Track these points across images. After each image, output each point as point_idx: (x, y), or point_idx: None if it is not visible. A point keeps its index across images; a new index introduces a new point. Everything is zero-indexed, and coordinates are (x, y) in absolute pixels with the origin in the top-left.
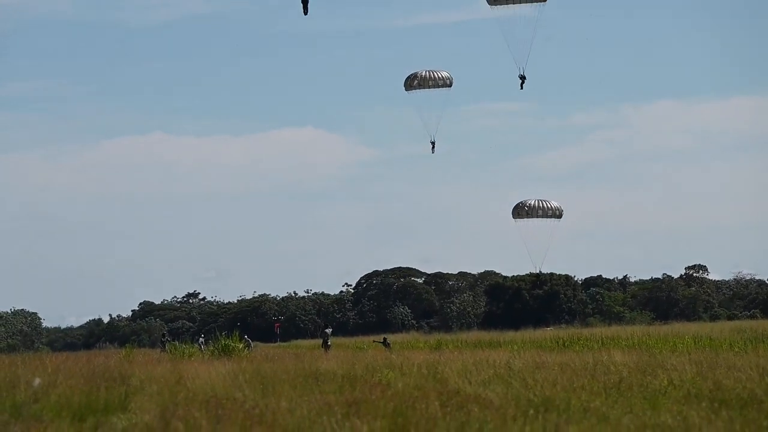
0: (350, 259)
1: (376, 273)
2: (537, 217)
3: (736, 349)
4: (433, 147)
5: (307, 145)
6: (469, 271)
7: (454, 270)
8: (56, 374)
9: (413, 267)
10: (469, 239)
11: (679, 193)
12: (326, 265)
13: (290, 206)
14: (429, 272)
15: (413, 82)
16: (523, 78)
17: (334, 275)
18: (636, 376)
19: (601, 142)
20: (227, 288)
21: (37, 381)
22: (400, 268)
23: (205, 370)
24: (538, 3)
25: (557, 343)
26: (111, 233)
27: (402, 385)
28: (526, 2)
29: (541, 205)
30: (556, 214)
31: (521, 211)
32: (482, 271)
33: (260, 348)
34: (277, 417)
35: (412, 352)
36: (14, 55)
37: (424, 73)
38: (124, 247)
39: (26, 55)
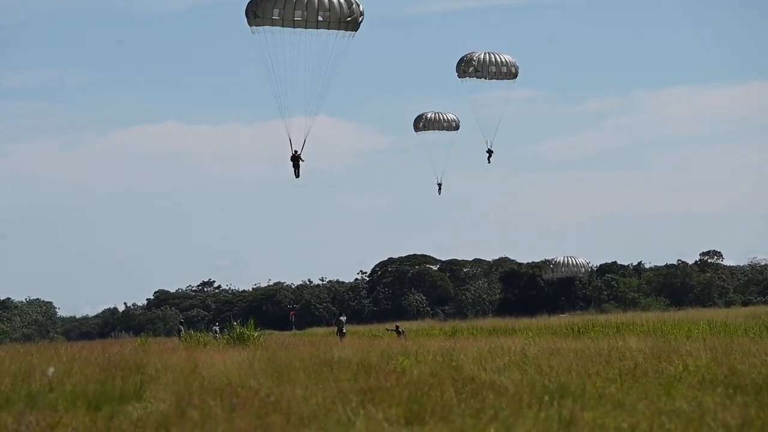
0: (365, 247)
1: (390, 260)
2: (563, 275)
3: (751, 335)
4: (440, 188)
5: (322, 133)
6: (483, 258)
7: (468, 257)
8: (71, 363)
9: (428, 254)
10: (484, 226)
11: (693, 179)
12: (341, 253)
13: (305, 194)
14: (444, 259)
15: (419, 124)
16: (490, 152)
17: (348, 263)
18: (651, 362)
19: (615, 129)
20: (242, 276)
21: (51, 370)
22: (414, 256)
23: (220, 358)
24: (508, 80)
25: (572, 329)
26: (126, 222)
27: (417, 372)
28: (496, 79)
29: (567, 261)
30: (582, 271)
31: (547, 269)
32: (497, 257)
33: (275, 336)
34: (292, 405)
35: (427, 340)
36: (27, 44)
37: (430, 115)
38: (138, 236)
39: (39, 44)
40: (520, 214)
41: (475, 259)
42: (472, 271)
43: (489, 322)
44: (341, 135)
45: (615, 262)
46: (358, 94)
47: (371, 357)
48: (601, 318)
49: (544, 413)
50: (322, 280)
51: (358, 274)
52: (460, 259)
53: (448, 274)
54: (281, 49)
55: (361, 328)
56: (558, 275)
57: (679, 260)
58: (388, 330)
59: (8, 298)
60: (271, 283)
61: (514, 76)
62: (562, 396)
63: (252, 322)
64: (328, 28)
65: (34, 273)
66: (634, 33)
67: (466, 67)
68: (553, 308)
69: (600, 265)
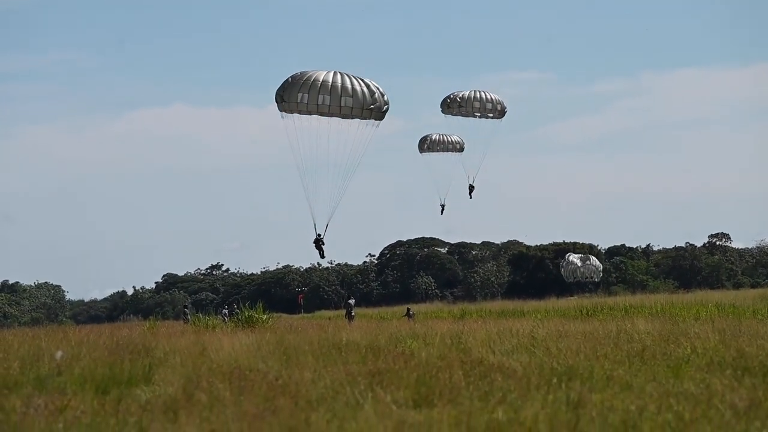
0: (374, 230)
1: (399, 243)
2: (577, 278)
3: (760, 317)
4: (443, 209)
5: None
6: (492, 241)
7: (477, 240)
8: (80, 347)
9: (437, 237)
10: (493, 209)
11: (701, 161)
12: (350, 236)
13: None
14: (452, 242)
15: (424, 146)
16: (471, 188)
17: (357, 246)
18: (659, 344)
19: (623, 111)
20: (251, 259)
21: (59, 353)
22: (423, 238)
23: (228, 341)
24: (494, 119)
25: (581, 311)
26: (134, 205)
27: (425, 355)
28: (482, 116)
29: (586, 261)
30: (593, 270)
31: (563, 268)
32: (506, 240)
33: (284, 319)
34: (301, 388)
35: (435, 322)
36: (36, 27)
37: (435, 137)
38: (147, 220)
39: (48, 27)
40: (528, 197)
41: (484, 242)
42: (481, 253)
43: (498, 304)
44: None
45: (623, 244)
46: (366, 77)
47: (380, 340)
48: (610, 300)
49: (552, 395)
50: (331, 263)
51: (366, 257)
52: (468, 242)
53: (456, 257)
54: (307, 136)
55: (369, 311)
56: (574, 276)
57: (687, 243)
58: (403, 316)
59: (17, 282)
60: (280, 266)
61: (501, 114)
62: (570, 378)
63: (260, 305)
64: (351, 115)
65: (42, 256)
66: (642, 15)
67: (452, 103)
68: (562, 291)
69: (608, 247)
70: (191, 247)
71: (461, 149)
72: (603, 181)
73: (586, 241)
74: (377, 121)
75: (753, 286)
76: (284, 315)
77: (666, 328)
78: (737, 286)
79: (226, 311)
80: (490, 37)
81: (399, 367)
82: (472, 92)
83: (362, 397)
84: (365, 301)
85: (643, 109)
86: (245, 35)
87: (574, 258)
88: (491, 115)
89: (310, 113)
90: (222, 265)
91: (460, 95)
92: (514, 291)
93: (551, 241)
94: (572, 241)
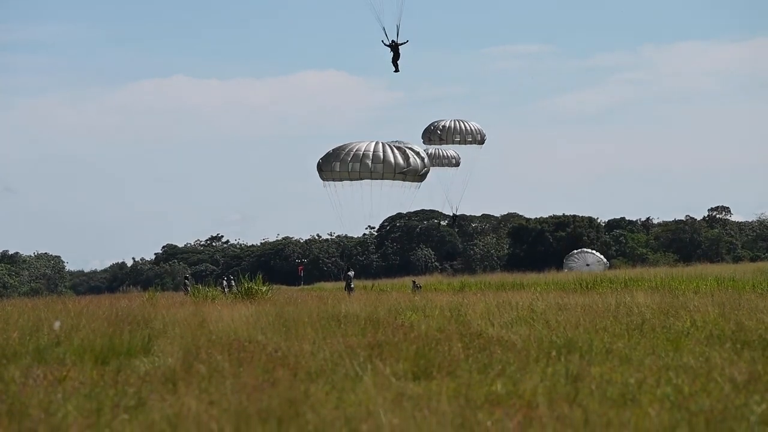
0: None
1: (399, 215)
2: (581, 269)
3: (759, 291)
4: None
5: (330, 88)
6: (492, 214)
7: (477, 212)
8: (79, 318)
9: (436, 209)
10: (492, 181)
11: (702, 135)
12: (349, 208)
13: (313, 148)
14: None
15: None
16: (455, 216)
17: (357, 218)
18: (659, 317)
19: (624, 84)
20: (251, 231)
21: (57, 324)
22: (423, 211)
23: (227, 313)
24: (475, 145)
25: (580, 285)
26: (135, 176)
27: (425, 327)
28: (460, 144)
29: (593, 255)
30: (596, 262)
31: (566, 267)
32: (505, 213)
33: (283, 290)
34: (300, 360)
35: (435, 294)
36: None
37: (431, 151)
38: (147, 191)
39: None
40: (528, 170)
41: (484, 214)
42: (481, 226)
43: (497, 277)
44: (349, 89)
45: (623, 217)
46: (366, 49)
47: (379, 312)
48: (609, 273)
49: (551, 368)
50: (331, 235)
51: (366, 229)
52: (468, 214)
53: (456, 230)
54: (348, 199)
55: (369, 283)
56: (575, 269)
57: (687, 216)
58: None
59: (17, 253)
60: (280, 237)
61: (481, 142)
62: (570, 351)
63: (260, 276)
64: (383, 177)
65: (42, 227)
66: None
67: (432, 134)
68: (561, 264)
69: (608, 220)
70: (191, 219)
71: (457, 164)
72: (603, 153)
73: (586, 214)
74: (418, 183)
75: (752, 260)
76: (284, 287)
77: (665, 301)
78: (737, 259)
79: (225, 283)
80: (492, 9)
81: (398, 340)
82: (453, 123)
83: (361, 369)
84: (365, 273)
85: (644, 82)
86: (246, 7)
87: (578, 258)
88: (471, 144)
89: (342, 179)
90: (222, 236)
91: (441, 125)
92: (513, 263)
93: (551, 214)
94: (572, 214)
